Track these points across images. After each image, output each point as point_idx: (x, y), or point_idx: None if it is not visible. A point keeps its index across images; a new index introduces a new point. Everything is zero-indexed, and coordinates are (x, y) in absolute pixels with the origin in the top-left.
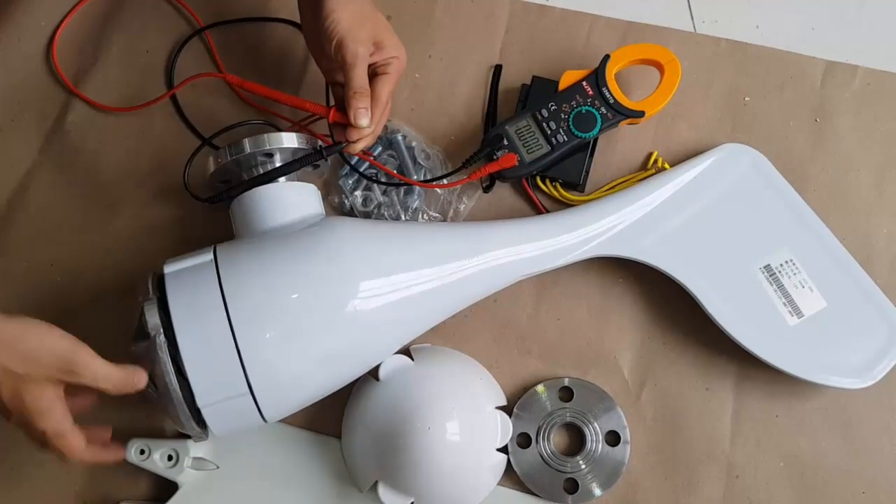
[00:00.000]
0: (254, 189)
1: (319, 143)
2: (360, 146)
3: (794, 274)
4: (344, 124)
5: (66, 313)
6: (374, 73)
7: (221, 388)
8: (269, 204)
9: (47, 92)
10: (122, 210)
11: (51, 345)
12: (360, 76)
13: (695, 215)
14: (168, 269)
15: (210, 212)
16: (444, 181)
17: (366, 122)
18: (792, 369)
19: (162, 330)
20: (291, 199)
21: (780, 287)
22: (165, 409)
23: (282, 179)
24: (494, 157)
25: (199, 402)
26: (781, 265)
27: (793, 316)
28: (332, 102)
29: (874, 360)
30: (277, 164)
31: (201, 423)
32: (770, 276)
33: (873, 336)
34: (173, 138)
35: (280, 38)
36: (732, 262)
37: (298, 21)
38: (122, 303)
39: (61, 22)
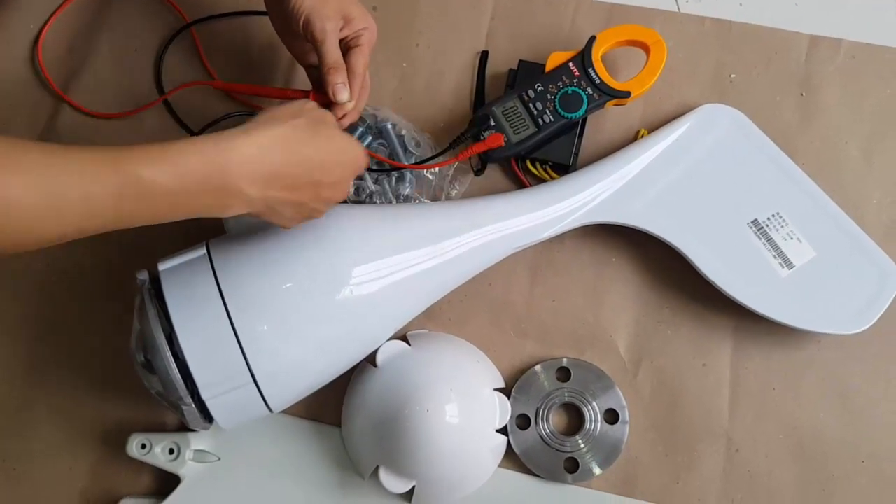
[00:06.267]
0: None
1: None
2: (345, 123)
3: (782, 226)
4: (326, 104)
5: (62, 313)
6: (346, 48)
7: (225, 380)
8: None
9: (37, 94)
10: None
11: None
12: (332, 51)
13: (680, 177)
14: (162, 266)
15: None
16: (432, 162)
17: (346, 97)
18: (786, 319)
19: (161, 324)
20: None
21: (769, 240)
22: (170, 404)
23: None
24: (481, 138)
25: (204, 395)
26: (768, 219)
27: (784, 267)
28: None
29: (866, 305)
30: None
31: (207, 416)
32: (758, 230)
33: (864, 281)
34: (164, 134)
35: (268, 30)
36: (721, 220)
37: None
38: (117, 300)
39: (45, 24)
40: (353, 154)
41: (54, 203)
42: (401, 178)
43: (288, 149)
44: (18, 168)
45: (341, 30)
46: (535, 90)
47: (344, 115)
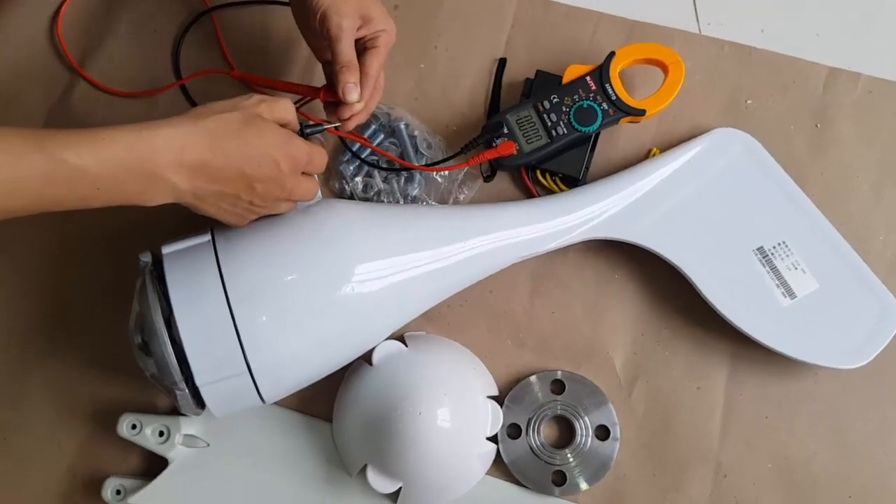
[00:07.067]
0: None
1: (301, 122)
2: (352, 123)
3: (787, 256)
4: (336, 103)
5: (64, 288)
6: (363, 48)
7: (220, 368)
8: None
9: (53, 68)
10: None
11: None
12: (346, 50)
13: (688, 198)
14: (166, 249)
15: None
16: (443, 165)
17: (355, 97)
18: (785, 349)
19: (160, 307)
20: None
21: (773, 269)
22: (164, 387)
23: None
24: (493, 145)
25: (198, 381)
26: (774, 247)
27: (786, 297)
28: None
29: (866, 341)
30: None
31: (200, 402)
32: (763, 257)
33: (865, 317)
34: None
35: (289, 22)
36: (726, 244)
37: None
38: (118, 280)
39: None
40: (286, 150)
41: None
42: (410, 179)
43: (211, 141)
44: None
45: (359, 29)
46: (550, 101)
47: (352, 116)
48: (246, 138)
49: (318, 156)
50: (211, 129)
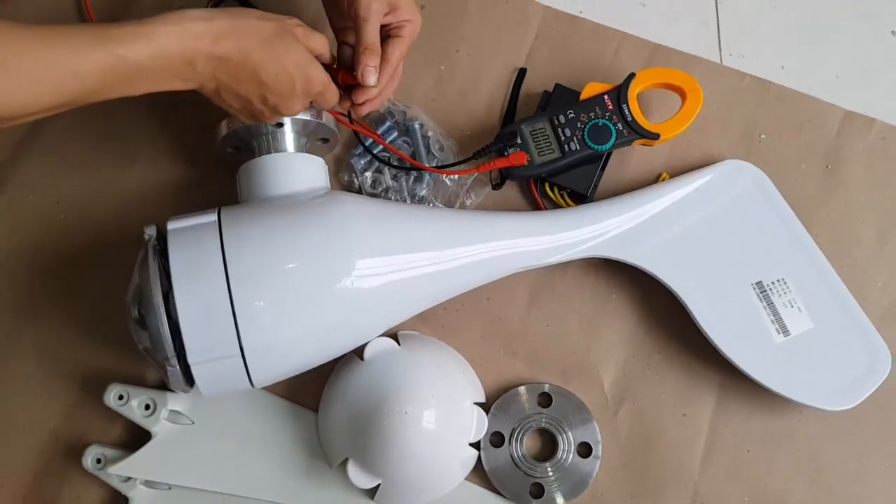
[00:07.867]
0: (262, 156)
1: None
2: (365, 109)
3: (785, 293)
4: (352, 86)
5: (65, 252)
6: (386, 36)
7: (213, 348)
8: (276, 172)
9: None
10: (134, 161)
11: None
12: (371, 32)
13: (693, 226)
14: (171, 225)
15: (219, 174)
16: (453, 169)
17: (373, 81)
18: (773, 385)
19: (160, 282)
20: (299, 170)
21: (770, 304)
22: (155, 362)
23: (290, 150)
24: (505, 153)
25: (190, 359)
26: (773, 283)
27: (779, 334)
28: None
29: (854, 385)
30: (287, 133)
31: (190, 380)
32: (761, 292)
33: (855, 361)
34: (191, 99)
35: (313, 5)
36: (725, 275)
37: None
38: (120, 251)
39: None
40: (305, 71)
41: (48, 76)
42: (419, 179)
43: (238, 40)
44: (22, 48)
45: (385, 16)
46: (566, 116)
47: (366, 102)
48: (271, 48)
49: (332, 91)
50: (242, 28)
